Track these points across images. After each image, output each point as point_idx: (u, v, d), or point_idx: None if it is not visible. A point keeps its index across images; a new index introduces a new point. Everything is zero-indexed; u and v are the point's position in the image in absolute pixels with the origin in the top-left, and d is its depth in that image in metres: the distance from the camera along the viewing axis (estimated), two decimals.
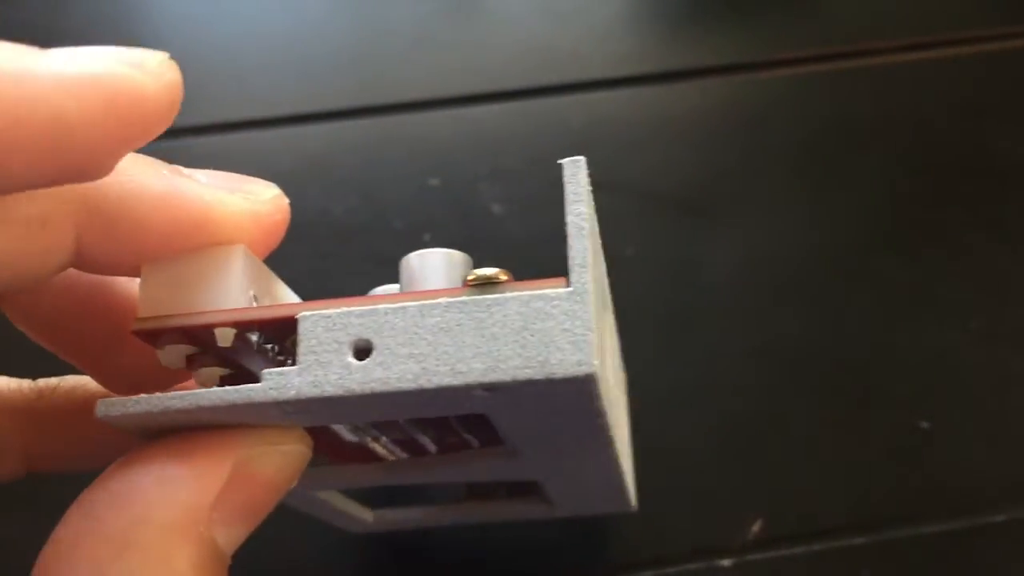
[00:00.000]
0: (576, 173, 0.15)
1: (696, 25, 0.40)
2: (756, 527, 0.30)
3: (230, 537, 0.14)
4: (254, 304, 0.16)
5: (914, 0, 0.40)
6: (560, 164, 0.15)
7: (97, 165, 0.14)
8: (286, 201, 0.17)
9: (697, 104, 0.38)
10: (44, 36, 0.37)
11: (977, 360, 0.33)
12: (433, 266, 0.17)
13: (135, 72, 0.13)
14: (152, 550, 0.13)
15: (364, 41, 0.38)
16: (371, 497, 0.26)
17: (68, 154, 0.13)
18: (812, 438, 0.31)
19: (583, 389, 0.14)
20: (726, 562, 0.29)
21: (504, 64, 0.38)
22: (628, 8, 0.40)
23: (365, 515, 0.26)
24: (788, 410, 0.32)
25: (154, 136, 0.14)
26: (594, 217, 0.15)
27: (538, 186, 0.35)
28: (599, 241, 0.16)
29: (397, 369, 0.14)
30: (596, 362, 0.13)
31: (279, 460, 0.15)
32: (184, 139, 0.36)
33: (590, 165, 0.15)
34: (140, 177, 0.15)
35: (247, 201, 0.16)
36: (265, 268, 0.17)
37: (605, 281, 0.18)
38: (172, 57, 0.14)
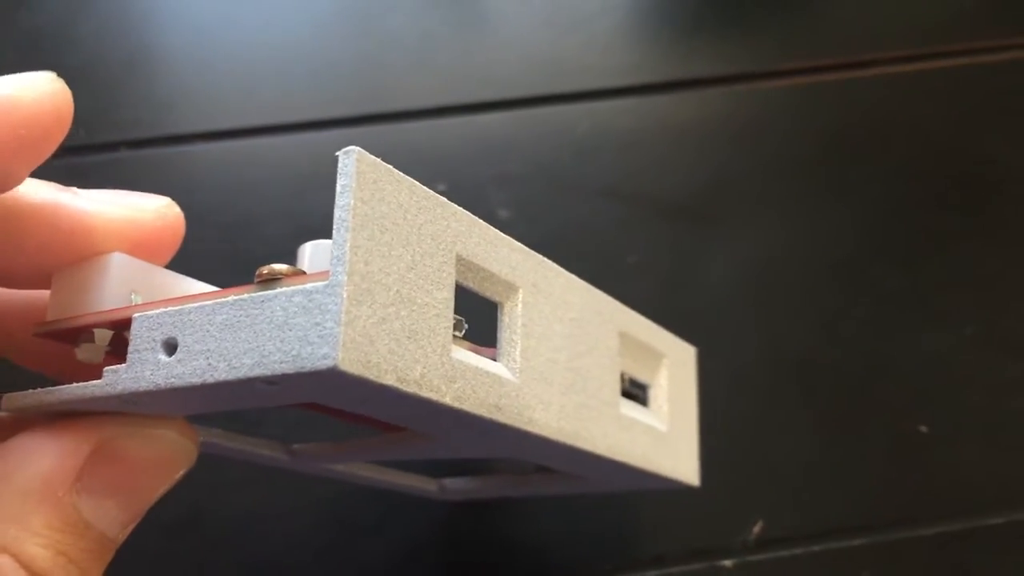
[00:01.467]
0: (347, 165, 0.14)
1: (699, 36, 0.41)
2: (757, 528, 0.30)
3: (100, 510, 0.16)
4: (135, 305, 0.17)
5: (913, 12, 0.41)
6: (338, 156, 0.15)
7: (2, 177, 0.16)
8: (175, 210, 0.19)
9: (699, 113, 0.39)
10: (58, 42, 0.37)
11: (974, 365, 0.33)
12: (322, 254, 0.18)
13: (22, 92, 0.15)
14: (10, 508, 0.15)
15: (372, 50, 0.39)
16: (439, 467, 0.27)
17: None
18: (812, 441, 0.32)
19: (338, 381, 0.14)
20: (727, 563, 0.30)
21: (511, 73, 0.38)
22: (632, 19, 0.41)
23: (430, 485, 0.27)
24: (788, 414, 0.32)
25: (51, 145, 0.16)
26: (385, 212, 0.15)
27: (544, 192, 0.35)
28: (415, 236, 0.15)
29: (192, 365, 0.15)
30: (340, 355, 0.13)
31: (142, 442, 0.16)
32: (195, 144, 0.36)
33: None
34: (22, 191, 0.17)
35: (126, 210, 0.18)
36: (159, 270, 0.18)
37: (504, 266, 0.17)
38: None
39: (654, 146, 0.37)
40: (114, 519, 0.16)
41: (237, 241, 0.33)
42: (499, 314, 0.18)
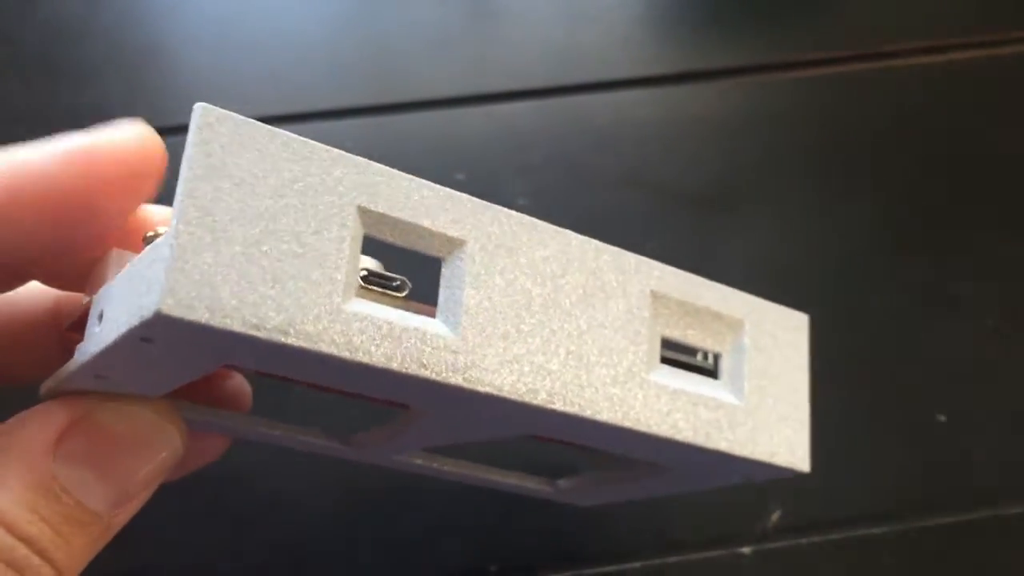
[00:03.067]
0: (193, 120, 0.15)
1: (716, 27, 0.41)
2: (775, 516, 0.30)
3: (77, 478, 0.16)
4: None
5: (931, 4, 0.41)
6: (195, 108, 0.15)
7: (73, 230, 0.17)
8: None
9: (717, 104, 0.39)
10: (78, 33, 0.37)
11: (993, 355, 0.33)
12: None
13: (98, 139, 0.17)
14: (9, 480, 0.16)
15: (391, 39, 0.39)
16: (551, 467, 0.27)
17: (64, 215, 0.16)
18: (831, 430, 0.32)
19: (176, 328, 0.14)
20: (746, 550, 0.30)
21: (530, 63, 0.38)
22: (651, 10, 0.41)
23: (544, 486, 0.26)
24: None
25: (145, 192, 0.17)
26: (238, 163, 0.15)
27: (563, 181, 0.35)
28: (286, 187, 0.15)
29: (106, 330, 0.15)
30: (162, 300, 0.13)
31: (117, 416, 0.17)
32: None
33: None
34: None
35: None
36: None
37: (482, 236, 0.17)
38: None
39: (673, 136, 0.37)
40: (93, 491, 0.16)
41: None
42: (442, 268, 0.17)
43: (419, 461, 0.24)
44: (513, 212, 0.18)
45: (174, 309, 0.13)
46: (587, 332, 0.18)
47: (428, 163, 0.36)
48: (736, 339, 0.21)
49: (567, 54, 0.39)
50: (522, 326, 0.17)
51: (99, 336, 0.16)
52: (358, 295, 0.16)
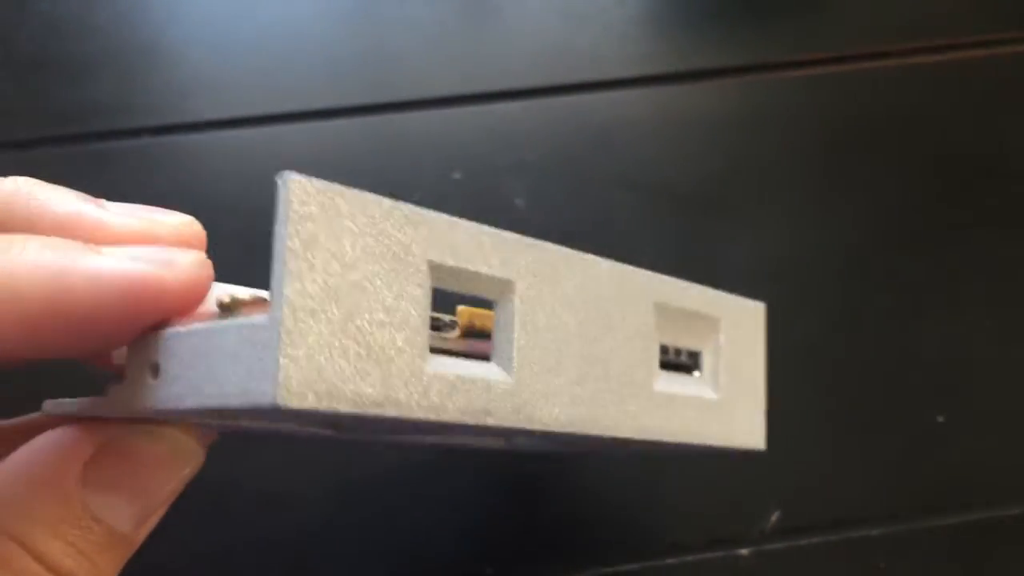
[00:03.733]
0: (283, 194, 0.14)
1: (715, 26, 0.41)
2: (774, 518, 0.30)
3: (108, 504, 0.16)
4: None
5: (932, 3, 0.41)
6: (285, 179, 0.14)
7: (111, 345, 0.17)
8: (195, 228, 0.19)
9: (715, 103, 0.39)
10: (77, 30, 0.37)
11: (992, 356, 0.33)
12: None
13: (163, 271, 0.16)
14: (20, 500, 0.16)
15: (389, 39, 0.39)
16: None
17: (86, 337, 0.16)
18: (829, 431, 0.32)
19: (289, 413, 0.14)
20: (744, 551, 0.30)
21: (527, 63, 0.38)
22: (648, 9, 0.41)
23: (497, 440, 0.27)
24: (806, 404, 0.32)
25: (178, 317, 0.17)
26: (329, 236, 0.14)
27: (560, 181, 0.35)
28: (369, 254, 0.15)
29: (170, 390, 0.15)
30: (278, 392, 0.13)
31: (146, 439, 0.17)
32: (212, 132, 0.36)
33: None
34: (50, 198, 0.18)
35: (144, 223, 0.18)
36: None
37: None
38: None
39: (670, 136, 0.37)
40: (123, 514, 0.16)
41: (256, 228, 0.34)
42: (495, 311, 0.17)
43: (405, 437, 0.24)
44: (549, 245, 0.18)
45: (290, 400, 0.13)
46: (610, 354, 0.19)
47: (426, 162, 0.36)
48: (715, 336, 0.22)
49: (564, 53, 0.39)
50: (561, 358, 0.18)
51: (165, 392, 0.15)
52: (439, 347, 0.16)
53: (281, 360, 0.13)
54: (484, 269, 0.17)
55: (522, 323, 0.17)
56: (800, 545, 0.30)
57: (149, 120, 0.36)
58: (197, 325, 0.15)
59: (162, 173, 0.35)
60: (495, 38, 0.39)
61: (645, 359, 0.20)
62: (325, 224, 0.14)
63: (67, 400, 0.18)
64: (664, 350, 0.21)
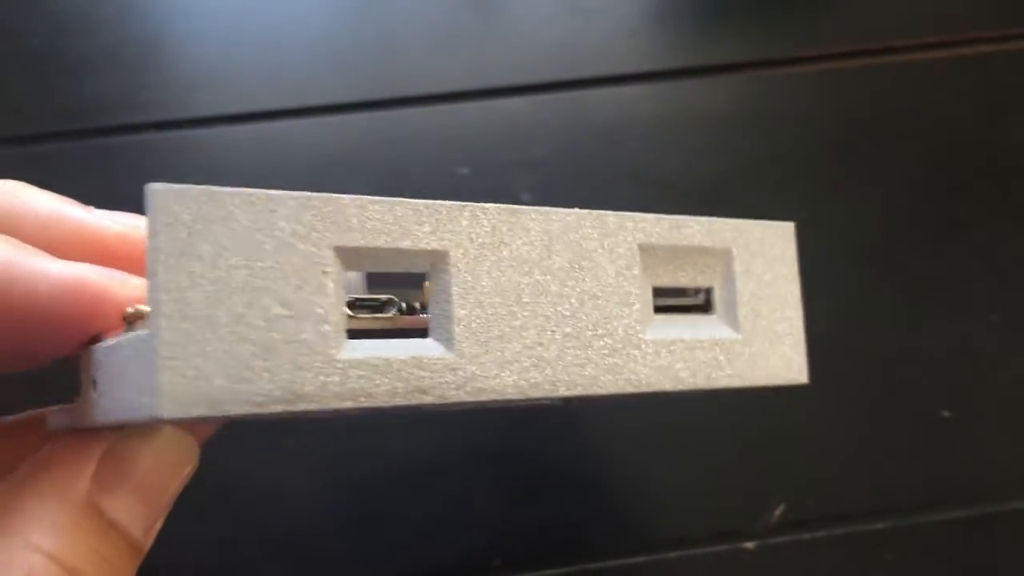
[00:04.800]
0: (150, 205, 0.14)
1: (722, 21, 0.40)
2: (779, 511, 0.30)
3: (120, 507, 0.17)
4: None
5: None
6: (148, 191, 0.14)
7: (56, 350, 0.17)
8: None
9: (723, 99, 0.39)
10: (83, 25, 0.37)
11: (998, 351, 0.33)
12: None
13: (109, 282, 0.16)
14: (36, 510, 0.16)
15: (396, 35, 0.39)
16: None
17: (28, 337, 0.16)
18: (835, 425, 0.32)
19: (188, 421, 0.14)
20: (749, 545, 0.30)
21: (534, 58, 0.38)
22: (654, 5, 0.41)
23: None
24: (812, 398, 0.32)
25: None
26: (208, 240, 0.14)
27: (567, 176, 0.35)
28: (259, 250, 0.15)
29: (103, 402, 0.16)
30: (160, 404, 0.13)
31: (142, 440, 0.17)
32: (217, 128, 0.36)
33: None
34: (30, 199, 0.18)
35: (129, 228, 0.19)
36: None
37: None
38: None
39: (677, 132, 0.37)
40: (135, 517, 0.17)
41: None
42: (428, 284, 0.17)
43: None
44: (489, 205, 0.17)
45: (174, 411, 0.13)
46: (579, 308, 0.18)
47: (433, 157, 0.36)
48: (726, 269, 0.20)
49: (572, 49, 0.39)
50: (515, 322, 0.17)
51: (99, 406, 0.16)
52: (349, 332, 0.15)
53: (160, 373, 0.13)
54: (407, 244, 0.16)
55: (461, 292, 0.16)
56: (805, 539, 0.30)
57: (154, 115, 0.36)
58: (110, 340, 0.16)
59: (167, 168, 0.35)
60: (503, 34, 0.39)
61: (628, 307, 0.18)
62: (200, 229, 0.14)
63: (56, 408, 0.18)
64: (668, 292, 0.19)
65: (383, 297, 0.17)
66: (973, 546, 0.30)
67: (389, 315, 0.17)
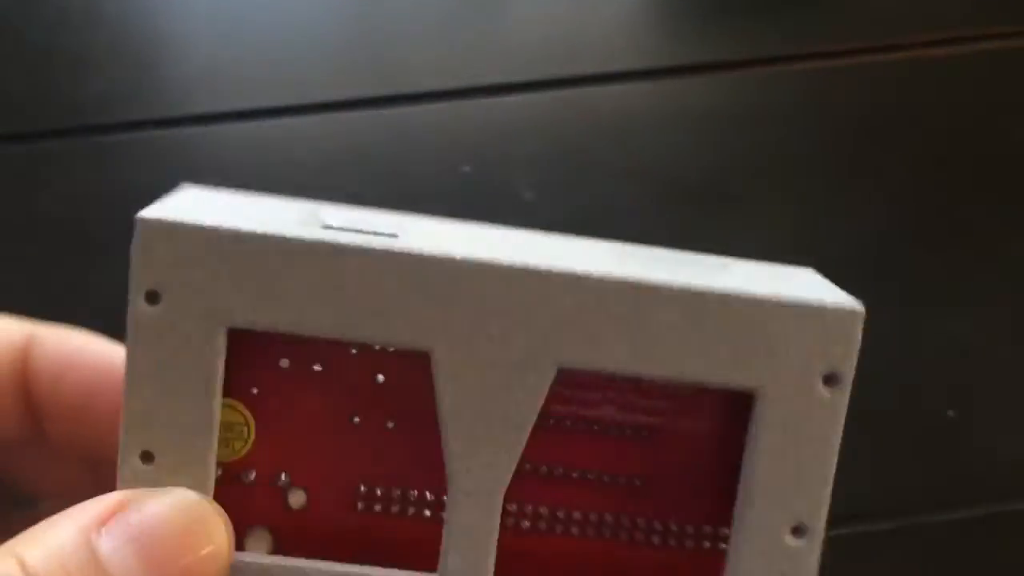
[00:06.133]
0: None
1: (723, 19, 0.40)
2: None
3: (116, 553, 0.16)
4: None
5: None
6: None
7: None
8: None
9: (723, 96, 0.38)
10: (85, 22, 0.37)
11: (1002, 350, 0.33)
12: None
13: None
14: (44, 525, 0.16)
15: (396, 31, 0.39)
16: None
17: None
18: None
19: None
20: None
21: (535, 55, 0.38)
22: (655, 2, 0.41)
23: None
24: None
25: None
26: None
27: (570, 173, 0.35)
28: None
29: None
30: None
31: (158, 496, 0.17)
32: (219, 125, 0.36)
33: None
34: None
35: None
36: None
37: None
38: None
39: (679, 129, 0.37)
40: (128, 567, 0.16)
41: None
42: None
43: None
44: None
45: None
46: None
47: (435, 155, 0.36)
48: None
49: (573, 46, 0.38)
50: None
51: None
52: None
53: None
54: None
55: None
56: None
57: (156, 112, 0.36)
58: None
59: (169, 165, 0.35)
60: (504, 31, 0.39)
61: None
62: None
63: None
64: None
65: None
66: (979, 547, 0.30)
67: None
